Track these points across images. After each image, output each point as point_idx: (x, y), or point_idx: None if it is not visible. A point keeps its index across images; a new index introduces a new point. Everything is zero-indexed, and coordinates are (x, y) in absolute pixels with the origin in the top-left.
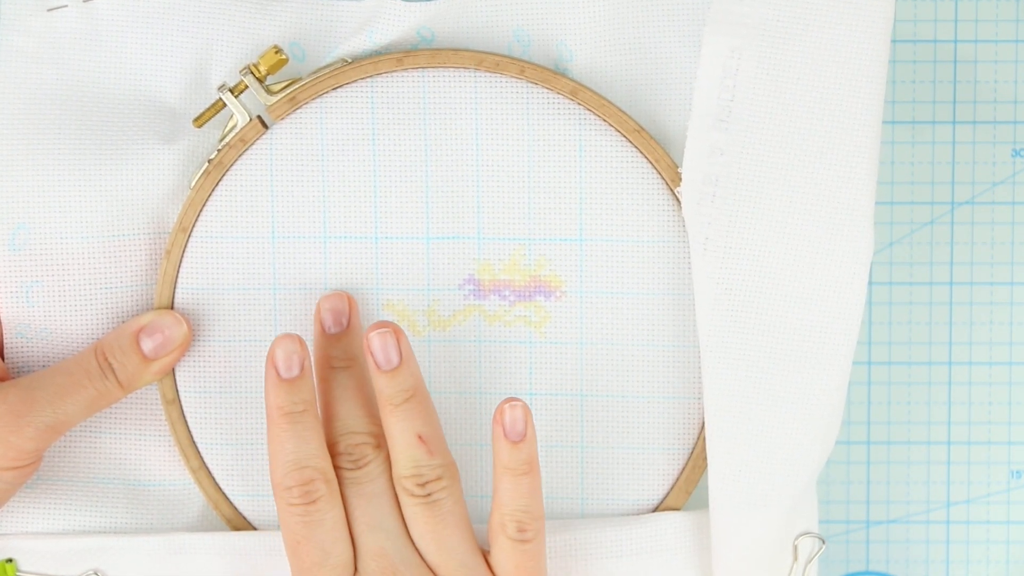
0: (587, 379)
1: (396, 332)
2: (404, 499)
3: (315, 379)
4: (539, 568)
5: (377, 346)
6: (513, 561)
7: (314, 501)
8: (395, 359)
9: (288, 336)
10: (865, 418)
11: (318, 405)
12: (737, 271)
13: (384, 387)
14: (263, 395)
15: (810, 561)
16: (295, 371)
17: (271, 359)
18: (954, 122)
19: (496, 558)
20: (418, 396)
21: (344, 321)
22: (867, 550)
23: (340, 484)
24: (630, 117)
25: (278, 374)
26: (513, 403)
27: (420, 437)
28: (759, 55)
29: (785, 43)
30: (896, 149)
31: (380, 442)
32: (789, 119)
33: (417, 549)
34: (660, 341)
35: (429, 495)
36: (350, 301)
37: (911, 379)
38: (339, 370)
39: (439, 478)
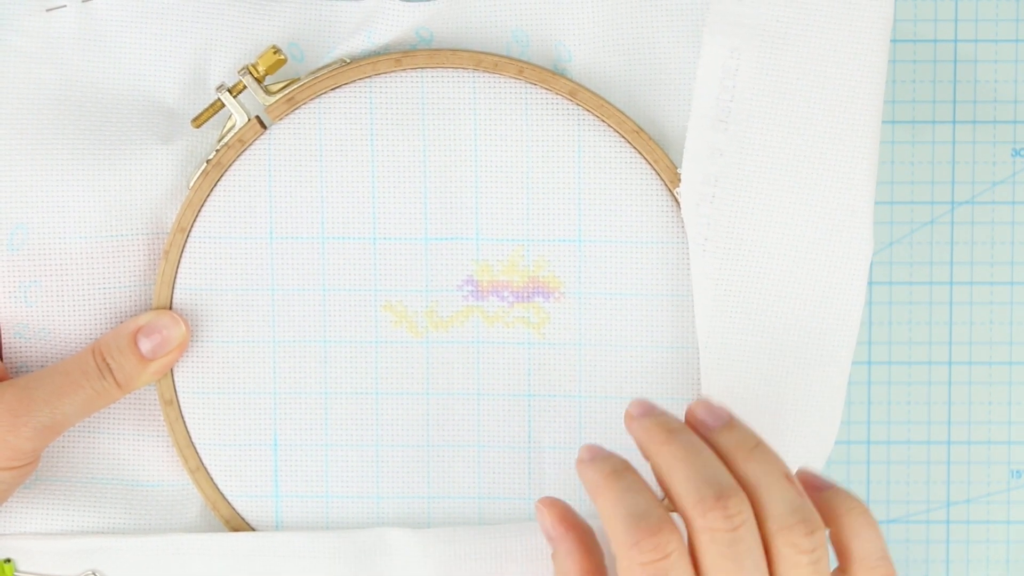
0: (586, 380)
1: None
2: (781, 552)
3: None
4: None
5: (702, 410)
6: None
7: (668, 555)
8: (726, 416)
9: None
10: (865, 418)
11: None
12: (736, 272)
13: (729, 437)
14: (262, 395)
15: None
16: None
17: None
18: (954, 122)
19: None
20: (764, 444)
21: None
22: None
23: (710, 543)
24: (629, 118)
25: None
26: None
27: (787, 477)
28: (759, 56)
29: (785, 44)
30: (896, 149)
31: (747, 500)
32: (789, 120)
33: None
34: (659, 342)
35: (814, 551)
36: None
37: (911, 379)
38: (675, 433)
39: (814, 531)
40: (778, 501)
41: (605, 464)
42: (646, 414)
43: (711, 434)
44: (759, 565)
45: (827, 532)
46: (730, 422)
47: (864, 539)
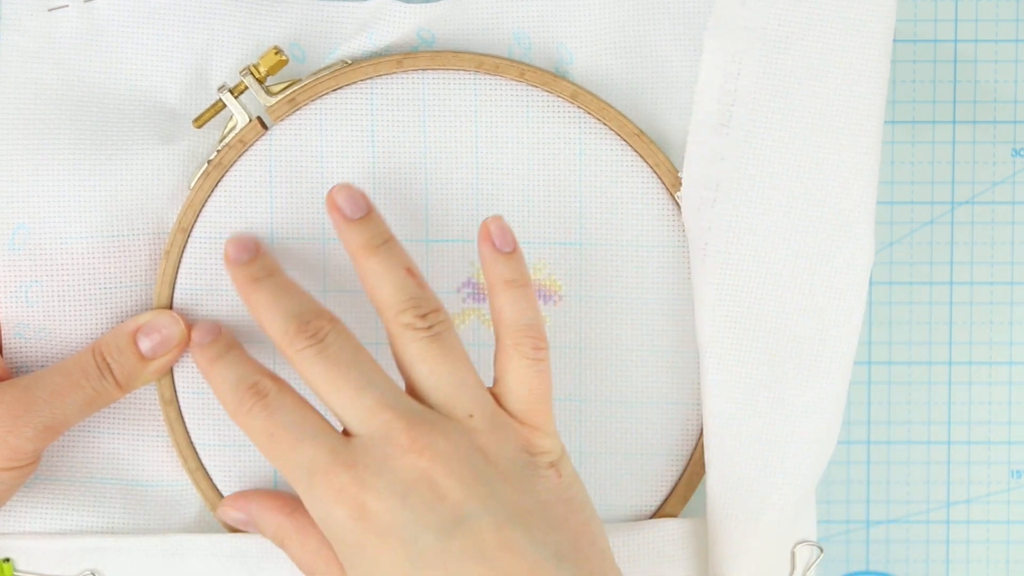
0: (585, 384)
1: (355, 189)
2: (405, 337)
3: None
4: (550, 389)
5: (343, 197)
6: (528, 383)
7: (266, 394)
8: (364, 207)
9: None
10: (865, 418)
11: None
12: (737, 277)
13: (359, 234)
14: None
15: (808, 569)
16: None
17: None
18: (954, 122)
19: (508, 384)
20: (394, 240)
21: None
22: (867, 550)
23: (305, 365)
24: (630, 121)
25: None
26: (496, 217)
27: (408, 270)
28: (760, 60)
29: (787, 48)
30: (896, 149)
31: (332, 317)
32: (790, 124)
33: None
34: (659, 346)
35: (431, 327)
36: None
37: (911, 379)
38: (260, 281)
39: (437, 310)
40: (392, 291)
41: (211, 349)
42: (234, 263)
43: (344, 228)
44: (359, 359)
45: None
46: (366, 216)
47: (513, 309)
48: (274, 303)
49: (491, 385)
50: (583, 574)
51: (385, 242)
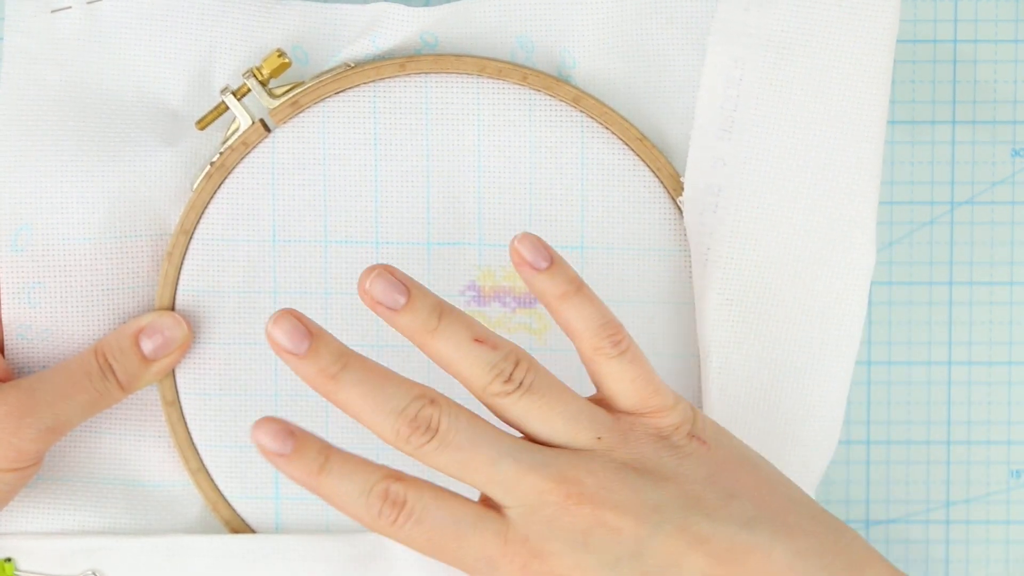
0: (587, 387)
1: (389, 270)
2: (501, 405)
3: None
4: (648, 364)
5: (380, 289)
6: (626, 377)
7: (404, 501)
8: (405, 292)
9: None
10: (865, 418)
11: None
12: (738, 282)
13: (410, 321)
14: (264, 397)
15: None
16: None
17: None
18: (954, 122)
19: (610, 389)
20: (452, 312)
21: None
22: None
23: (430, 459)
24: (632, 125)
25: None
26: (523, 236)
27: (475, 339)
28: (763, 66)
29: (789, 54)
30: (896, 149)
31: (431, 394)
32: (792, 130)
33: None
34: (660, 350)
35: (521, 383)
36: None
37: (911, 379)
38: (338, 378)
39: (517, 362)
40: (470, 370)
41: (308, 461)
42: (293, 354)
43: (392, 318)
44: (475, 430)
45: None
46: (411, 299)
47: (577, 318)
48: (368, 400)
49: (594, 394)
50: (778, 527)
51: (441, 318)
